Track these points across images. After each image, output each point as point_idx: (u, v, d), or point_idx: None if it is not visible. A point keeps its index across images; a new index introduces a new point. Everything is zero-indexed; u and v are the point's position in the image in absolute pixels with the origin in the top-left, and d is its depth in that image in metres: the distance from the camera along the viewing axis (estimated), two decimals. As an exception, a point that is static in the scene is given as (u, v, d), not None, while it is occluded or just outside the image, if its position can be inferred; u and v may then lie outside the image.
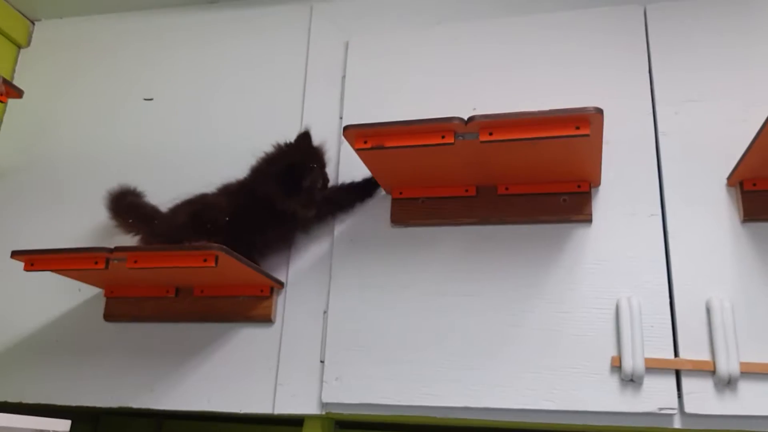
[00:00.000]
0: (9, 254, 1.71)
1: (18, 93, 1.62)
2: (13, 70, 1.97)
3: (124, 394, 1.57)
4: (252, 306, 1.56)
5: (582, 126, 1.20)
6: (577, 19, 1.61)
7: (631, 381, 1.32)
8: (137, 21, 1.95)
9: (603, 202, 1.45)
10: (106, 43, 1.95)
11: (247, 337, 1.56)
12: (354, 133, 1.31)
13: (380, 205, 1.57)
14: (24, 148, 1.88)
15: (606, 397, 1.33)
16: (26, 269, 1.41)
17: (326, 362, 1.48)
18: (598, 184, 1.46)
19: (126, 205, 1.59)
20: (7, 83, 1.57)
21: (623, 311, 1.35)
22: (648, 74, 1.53)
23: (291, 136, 1.69)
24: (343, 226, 1.58)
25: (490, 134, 1.23)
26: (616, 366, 1.34)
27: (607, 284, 1.40)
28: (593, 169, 1.39)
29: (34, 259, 1.40)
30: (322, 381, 1.47)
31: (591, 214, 1.44)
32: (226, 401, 1.52)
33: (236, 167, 1.69)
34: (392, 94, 1.66)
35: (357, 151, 1.34)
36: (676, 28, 1.56)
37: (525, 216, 1.46)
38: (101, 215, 1.62)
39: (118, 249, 1.35)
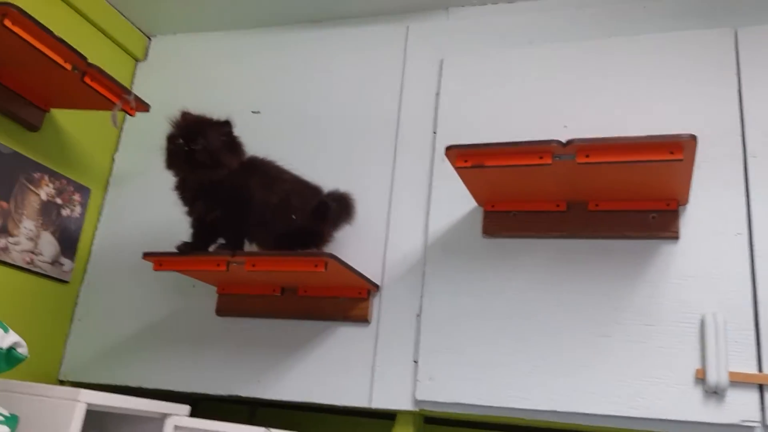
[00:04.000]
0: (129, 252, 1.92)
1: (146, 107, 1.78)
2: (131, 82, 2.15)
3: (233, 383, 1.72)
4: (350, 307, 1.68)
5: (676, 151, 1.27)
6: (667, 41, 1.67)
7: (715, 393, 1.39)
8: (246, 38, 2.10)
9: (690, 220, 1.51)
10: (217, 58, 2.11)
11: (345, 336, 1.69)
12: (455, 153, 1.41)
13: (472, 217, 1.67)
14: (141, 156, 2.06)
15: (689, 408, 1.40)
16: (155, 269, 1.57)
17: (420, 362, 1.59)
18: (685, 202, 1.52)
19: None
20: (138, 99, 1.73)
21: (708, 326, 1.41)
22: (738, 96, 1.58)
23: (388, 148, 1.82)
24: (435, 236, 1.69)
25: (587, 156, 1.32)
26: (700, 378, 1.40)
27: (693, 299, 1.46)
28: (682, 189, 1.46)
29: (163, 261, 1.56)
30: (415, 380, 1.58)
31: (678, 232, 1.50)
32: (326, 394, 1.65)
33: (336, 177, 1.83)
34: (484, 111, 1.76)
35: (457, 169, 1.44)
36: (767, 51, 1.59)
37: (614, 231, 1.53)
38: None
39: (238, 253, 1.50)
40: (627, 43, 1.70)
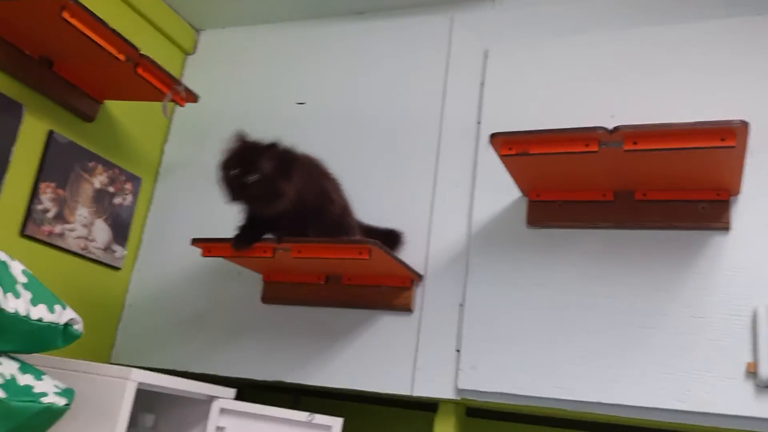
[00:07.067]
0: (178, 239, 1.96)
1: (194, 98, 1.83)
2: (181, 75, 2.20)
3: (278, 369, 1.75)
4: (394, 296, 1.69)
5: (727, 138, 1.24)
6: (717, 28, 1.63)
7: (767, 387, 1.35)
8: (291, 30, 2.13)
9: (742, 211, 1.48)
10: (263, 51, 2.14)
11: (388, 324, 1.70)
12: (500, 141, 1.41)
13: (516, 206, 1.66)
14: (190, 146, 2.11)
15: (740, 402, 1.36)
16: (204, 255, 1.61)
17: (462, 351, 1.59)
18: (737, 192, 1.48)
19: None
20: (187, 89, 1.78)
21: (761, 319, 1.37)
22: (794, 84, 1.53)
23: (432, 138, 1.83)
24: (479, 225, 1.69)
25: (635, 143, 1.30)
26: (752, 372, 1.36)
27: (745, 292, 1.42)
28: (734, 178, 1.42)
29: (211, 247, 1.59)
30: (458, 369, 1.58)
31: (729, 222, 1.47)
32: (369, 381, 1.66)
33: (380, 167, 1.84)
34: (530, 100, 1.74)
35: (501, 156, 1.44)
36: (825, 37, 1.54)
37: (662, 222, 1.51)
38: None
39: (284, 240, 1.52)
40: (675, 31, 1.66)
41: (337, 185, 1.66)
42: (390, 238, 1.70)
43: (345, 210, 1.65)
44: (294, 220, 1.55)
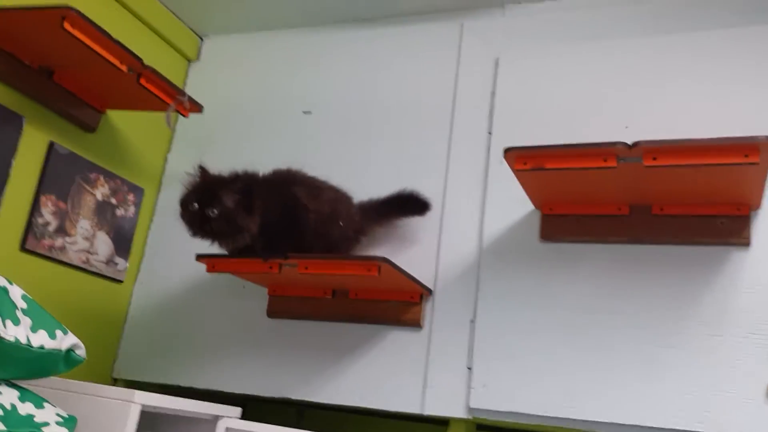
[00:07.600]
0: (181, 251, 1.92)
1: (199, 108, 1.78)
2: (184, 83, 2.16)
3: (283, 385, 1.71)
4: (402, 311, 1.65)
5: (751, 154, 1.20)
6: (735, 37, 1.58)
7: (790, 410, 1.31)
8: (298, 37, 2.08)
9: (763, 226, 1.44)
10: (269, 58, 2.10)
11: (397, 340, 1.66)
12: (515, 155, 1.36)
13: (529, 220, 1.62)
14: (193, 155, 2.06)
15: (761, 425, 1.32)
16: (208, 271, 1.57)
17: (473, 369, 1.55)
18: (758, 207, 1.44)
19: None
20: (191, 100, 1.74)
21: (783, 338, 1.34)
22: (815, 95, 1.49)
23: (441, 149, 1.79)
24: (491, 239, 1.65)
25: (654, 159, 1.26)
26: (773, 393, 1.33)
27: (765, 309, 1.38)
28: (755, 193, 1.38)
29: (215, 262, 1.56)
30: (469, 387, 1.54)
31: (749, 238, 1.43)
32: (377, 399, 1.63)
33: (388, 178, 1.80)
34: (542, 110, 1.70)
35: (515, 171, 1.40)
36: None
37: (679, 237, 1.47)
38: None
39: (291, 256, 1.48)
40: (692, 40, 1.62)
41: (317, 191, 1.59)
42: (406, 203, 1.67)
43: (328, 217, 1.56)
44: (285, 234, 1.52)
